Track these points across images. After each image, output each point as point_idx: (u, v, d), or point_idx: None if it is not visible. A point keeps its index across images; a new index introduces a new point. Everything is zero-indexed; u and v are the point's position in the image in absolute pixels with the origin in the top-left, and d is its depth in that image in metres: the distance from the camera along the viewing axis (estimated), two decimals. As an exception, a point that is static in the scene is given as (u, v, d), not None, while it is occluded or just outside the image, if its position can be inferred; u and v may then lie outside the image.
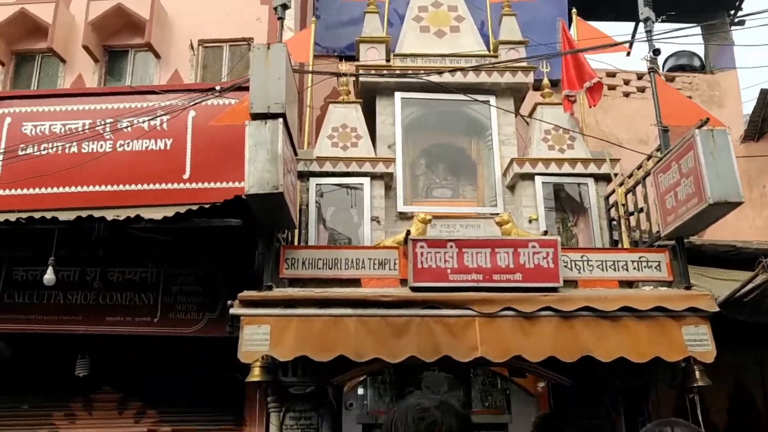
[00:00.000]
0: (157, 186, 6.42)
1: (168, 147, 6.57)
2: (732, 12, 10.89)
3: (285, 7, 6.29)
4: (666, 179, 5.77)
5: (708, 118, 5.38)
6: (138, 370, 6.69)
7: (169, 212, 5.37)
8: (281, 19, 6.26)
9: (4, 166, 6.54)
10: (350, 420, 8.76)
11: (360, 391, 9.52)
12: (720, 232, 8.37)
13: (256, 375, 5.66)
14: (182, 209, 5.50)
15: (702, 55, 10.98)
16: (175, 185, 6.44)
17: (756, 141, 8.91)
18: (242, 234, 5.92)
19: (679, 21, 11.05)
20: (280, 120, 5.11)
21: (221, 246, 6.44)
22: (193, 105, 6.27)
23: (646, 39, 6.65)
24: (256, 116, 5.13)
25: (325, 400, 6.36)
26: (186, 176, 6.45)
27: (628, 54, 11.81)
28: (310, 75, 7.81)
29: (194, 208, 5.35)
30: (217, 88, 6.44)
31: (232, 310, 5.22)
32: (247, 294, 5.28)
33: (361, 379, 8.71)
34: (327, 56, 9.68)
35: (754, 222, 9.31)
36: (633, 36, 11.32)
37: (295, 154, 5.87)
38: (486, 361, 5.25)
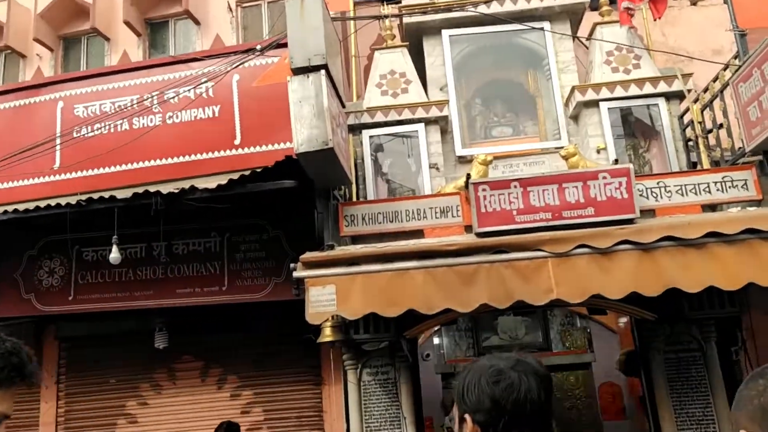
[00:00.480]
0: (210, 155, 6.35)
1: (216, 114, 6.47)
2: None
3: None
4: (748, 88, 5.23)
5: (793, 15, 4.79)
6: (214, 338, 6.80)
7: (223, 180, 5.28)
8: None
9: (62, 150, 6.61)
10: (428, 370, 8.70)
11: (436, 340, 9.45)
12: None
13: (327, 335, 5.62)
14: (235, 176, 5.41)
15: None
16: (228, 152, 6.35)
17: None
18: (301, 195, 5.81)
19: None
20: (322, 72, 4.88)
21: (281, 209, 6.37)
22: (235, 68, 6.10)
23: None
24: (297, 71, 4.93)
25: (400, 353, 6.28)
26: (237, 142, 6.34)
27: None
28: (351, 22, 7.51)
29: (246, 173, 5.23)
30: (258, 47, 6.23)
31: (295, 273, 5.13)
32: (308, 255, 5.17)
33: (436, 329, 8.61)
34: (369, 2, 9.31)
35: None
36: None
37: (343, 106, 5.65)
38: (563, 302, 4.98)
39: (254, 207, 6.25)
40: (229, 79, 6.44)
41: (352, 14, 7.45)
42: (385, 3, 7.66)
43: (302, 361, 6.61)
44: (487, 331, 8.99)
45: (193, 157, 6.43)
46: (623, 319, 8.04)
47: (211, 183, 5.37)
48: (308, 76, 4.87)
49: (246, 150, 6.34)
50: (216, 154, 6.39)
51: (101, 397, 6.75)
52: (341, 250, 5.27)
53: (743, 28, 5.56)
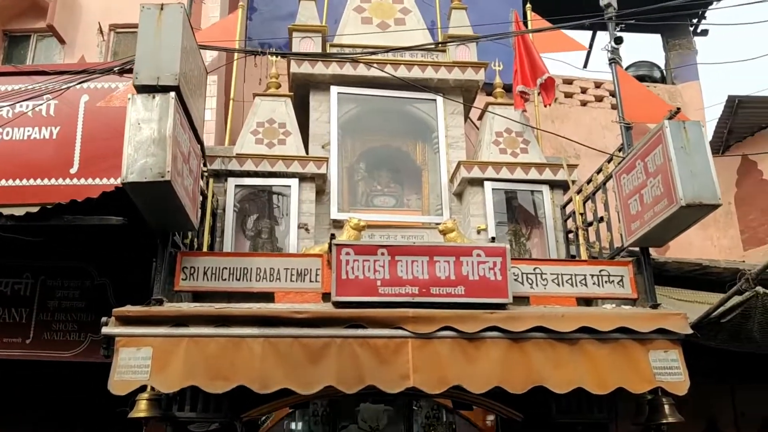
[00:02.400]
0: (38, 182, 5.38)
1: (54, 136, 5.55)
2: (695, 21, 10.42)
3: (197, -25, 5.40)
4: (630, 180, 5.02)
5: (679, 108, 4.67)
6: (11, 400, 5.57)
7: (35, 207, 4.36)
8: (191, -13, 5.36)
9: None
10: (275, 459, 7.71)
11: (292, 425, 8.49)
12: (683, 254, 7.73)
13: (141, 410, 4.60)
14: (55, 205, 4.49)
15: (663, 67, 10.47)
16: (61, 181, 5.41)
17: (720, 154, 8.31)
18: (137, 238, 4.94)
19: (640, 32, 10.59)
20: (172, 94, 4.18)
21: (113, 254, 5.44)
22: (81, 83, 5.27)
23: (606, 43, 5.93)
24: (142, 89, 4.20)
25: (235, 439, 5.36)
26: (74, 170, 5.43)
27: (585, 66, 11.31)
28: (234, 64, 6.92)
29: (65, 203, 4.35)
30: (116, 69, 5.46)
31: (104, 329, 4.21)
32: (125, 309, 4.28)
33: (289, 411, 7.69)
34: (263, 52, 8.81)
35: (719, 242, 8.68)
36: (590, 45, 10.80)
37: (199, 142, 4.92)
38: (419, 391, 4.33)
39: (80, 248, 5.29)
40: (77, 99, 5.59)
41: (235, 56, 6.85)
42: (272, 50, 7.12)
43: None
44: (346, 418, 8.16)
45: (17, 182, 5.43)
46: (491, 417, 7.48)
47: (21, 210, 4.41)
48: (154, 96, 4.15)
49: (82, 181, 5.44)
50: (46, 181, 5.43)
51: None
52: (167, 307, 4.41)
53: (629, 121, 5.43)
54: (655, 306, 4.81)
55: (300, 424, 8.32)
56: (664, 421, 4.49)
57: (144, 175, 3.97)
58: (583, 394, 5.03)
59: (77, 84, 5.28)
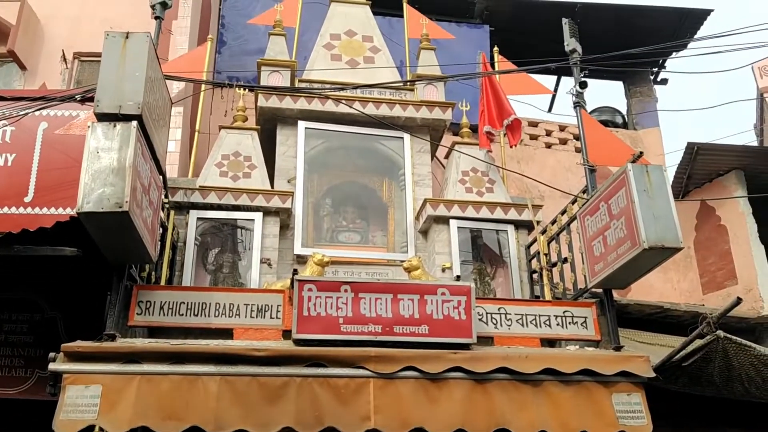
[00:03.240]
0: (-11, 209, 5.16)
1: (9, 164, 5.36)
2: (656, 70, 10.75)
3: (165, 6, 5.38)
4: (593, 222, 5.06)
5: (642, 152, 4.74)
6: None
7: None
8: (159, 18, 5.32)
9: None
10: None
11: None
12: (644, 296, 7.81)
13: (88, 451, 4.38)
14: (5, 234, 4.31)
15: (624, 113, 10.74)
16: (14, 210, 5.18)
17: (680, 199, 8.49)
18: (91, 270, 4.76)
19: (603, 78, 10.88)
20: (134, 123, 4.08)
21: (66, 286, 5.24)
22: (39, 110, 5.14)
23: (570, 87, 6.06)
24: (103, 117, 4.09)
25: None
26: (28, 199, 5.22)
27: (550, 110, 11.52)
28: (201, 96, 6.85)
29: (15, 232, 4.17)
30: (78, 97, 5.34)
31: (51, 365, 4.01)
32: (75, 345, 4.09)
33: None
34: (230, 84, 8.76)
35: (679, 285, 8.80)
36: (555, 89, 11.03)
37: (161, 173, 4.81)
38: (381, 434, 4.20)
39: (31, 279, 5.08)
40: (35, 126, 5.43)
41: (202, 88, 6.79)
42: (240, 84, 7.09)
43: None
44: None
45: (-34, 210, 5.20)
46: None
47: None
48: (115, 125, 4.05)
49: (37, 210, 5.21)
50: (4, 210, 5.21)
51: None
52: (120, 343, 4.23)
53: (593, 164, 5.50)
54: (618, 348, 4.80)
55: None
56: (627, 465, 4.42)
57: (101, 204, 3.84)
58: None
59: (36, 111, 5.14)
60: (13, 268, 4.73)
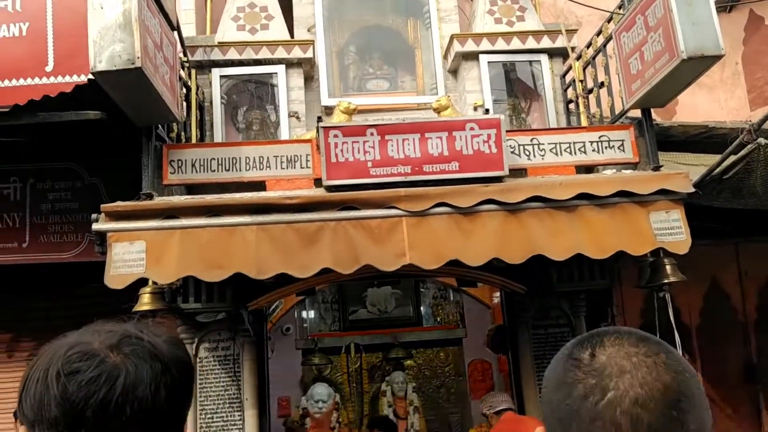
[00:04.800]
0: (13, 82, 5.16)
1: (24, 33, 5.27)
2: None
3: None
4: (630, 39, 4.73)
5: (681, -47, 4.28)
6: (20, 306, 5.68)
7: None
8: None
9: None
10: (288, 346, 7.93)
11: (304, 314, 8.67)
12: (690, 118, 7.49)
13: (145, 303, 4.67)
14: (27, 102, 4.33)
15: None
16: (38, 80, 5.17)
17: (728, 12, 7.85)
18: (125, 136, 4.81)
19: None
20: (135, -27, 3.88)
21: (103, 153, 5.33)
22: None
23: None
24: (102, -31, 3.90)
25: (242, 327, 5.46)
26: (49, 68, 5.18)
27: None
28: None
29: (38, 99, 4.18)
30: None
31: (95, 226, 4.17)
32: (114, 205, 4.22)
33: (298, 300, 7.83)
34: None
35: (726, 104, 8.37)
36: None
37: (173, 29, 4.66)
38: (417, 268, 4.31)
39: (67, 148, 5.18)
40: (43, -9, 5.26)
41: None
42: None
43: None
44: (355, 303, 8.30)
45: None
46: (497, 294, 7.59)
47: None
48: (116, -23, 3.87)
49: (60, 79, 5.19)
50: (22, 81, 5.19)
51: None
52: (157, 200, 4.34)
53: (629, -25, 5.05)
54: (657, 168, 4.67)
55: (311, 312, 8.49)
56: (666, 281, 4.47)
57: (113, 62, 3.77)
58: (585, 262, 5.05)
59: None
60: (50, 139, 4.80)
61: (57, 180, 5.30)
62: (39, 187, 5.27)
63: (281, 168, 4.81)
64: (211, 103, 5.98)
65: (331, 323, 8.32)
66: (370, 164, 4.55)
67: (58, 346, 0.96)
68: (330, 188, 4.53)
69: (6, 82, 5.14)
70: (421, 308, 8.53)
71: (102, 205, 4.18)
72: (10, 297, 5.62)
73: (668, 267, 4.47)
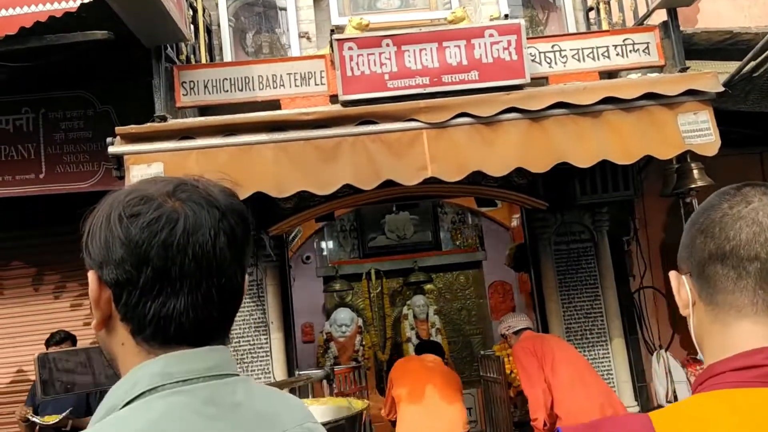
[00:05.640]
0: (18, 11, 5.02)
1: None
2: None
3: None
4: (656, -68, 4.48)
5: None
6: (42, 240, 5.70)
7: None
8: None
9: None
10: (309, 273, 7.99)
11: (323, 244, 8.70)
12: (713, 25, 7.20)
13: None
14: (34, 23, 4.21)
15: None
16: (41, 7, 5.03)
17: None
18: (134, 60, 4.70)
19: None
20: None
21: (113, 79, 5.23)
22: None
23: None
24: None
25: (264, 252, 5.48)
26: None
27: None
28: None
29: (43, 20, 4.05)
30: None
31: (111, 149, 4.11)
32: (129, 128, 4.14)
33: (318, 229, 7.83)
34: None
35: (750, 11, 8.01)
36: None
37: (175, -58, 4.45)
38: (439, 181, 4.24)
39: (77, 76, 5.08)
40: None
41: None
42: None
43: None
44: (374, 230, 8.30)
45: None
46: (516, 216, 7.53)
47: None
48: None
49: (64, 4, 5.04)
50: (26, 9, 5.06)
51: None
52: (172, 122, 4.26)
53: None
54: (684, 70, 4.49)
55: (330, 242, 8.51)
56: (693, 186, 4.37)
57: (117, -25, 3.62)
58: (609, 172, 4.96)
59: None
60: (59, 67, 4.69)
61: (69, 109, 5.21)
62: (51, 116, 5.18)
63: (295, 86, 4.69)
64: (218, 26, 5.83)
65: (350, 251, 8.34)
66: (387, 77, 4.42)
67: (117, 194, 0.98)
68: (346, 103, 4.42)
69: (10, 11, 5.00)
70: (440, 233, 8.51)
71: (117, 128, 4.11)
72: (32, 231, 5.65)
73: (695, 171, 4.37)
